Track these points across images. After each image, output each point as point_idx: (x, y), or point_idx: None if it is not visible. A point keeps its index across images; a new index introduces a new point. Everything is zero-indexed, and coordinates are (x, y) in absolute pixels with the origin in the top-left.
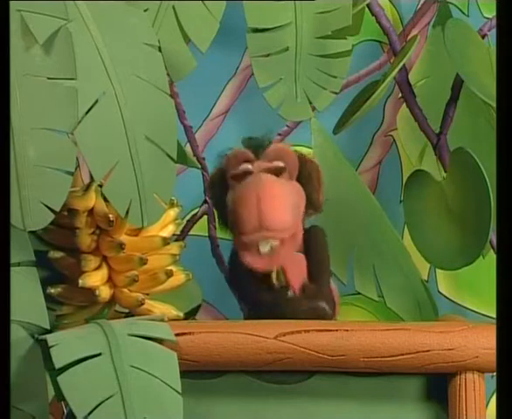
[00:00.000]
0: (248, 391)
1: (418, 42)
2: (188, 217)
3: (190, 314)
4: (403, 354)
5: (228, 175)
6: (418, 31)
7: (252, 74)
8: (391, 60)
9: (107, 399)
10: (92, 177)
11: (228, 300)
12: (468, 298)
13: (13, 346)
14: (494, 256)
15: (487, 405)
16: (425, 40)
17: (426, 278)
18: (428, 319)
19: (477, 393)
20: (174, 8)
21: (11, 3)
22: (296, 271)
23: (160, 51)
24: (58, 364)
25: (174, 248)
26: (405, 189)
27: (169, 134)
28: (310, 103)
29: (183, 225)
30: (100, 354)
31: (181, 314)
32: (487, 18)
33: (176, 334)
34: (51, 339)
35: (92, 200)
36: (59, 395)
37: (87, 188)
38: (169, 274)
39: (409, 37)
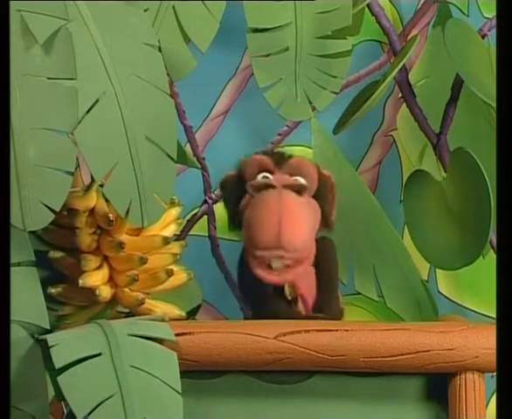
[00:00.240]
0: (248, 391)
1: (418, 42)
2: (188, 217)
3: (191, 314)
4: (403, 354)
5: (247, 182)
6: (418, 31)
7: (252, 74)
8: (391, 60)
9: (107, 399)
10: (92, 177)
11: (228, 300)
12: (468, 298)
13: (13, 346)
14: (494, 256)
15: (487, 405)
16: (425, 40)
17: (426, 278)
18: (428, 319)
19: (477, 393)
20: (174, 8)
21: (11, 3)
22: (306, 284)
23: (160, 51)
24: (58, 364)
25: (175, 247)
26: (405, 189)
27: (169, 134)
28: (310, 103)
29: (183, 225)
30: (100, 354)
31: (183, 314)
32: (487, 18)
33: (176, 334)
34: (51, 339)
35: (93, 200)
36: (59, 395)
37: (88, 188)
38: (170, 273)
39: (409, 37)
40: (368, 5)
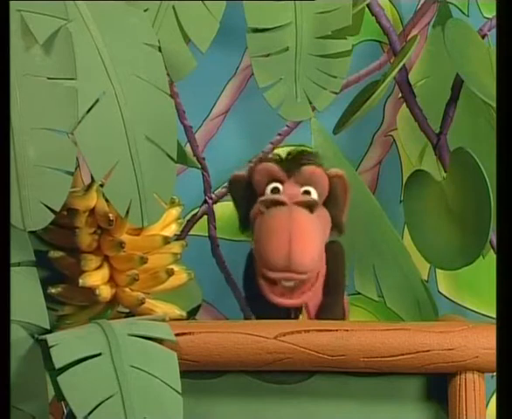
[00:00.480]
0: (248, 391)
1: (418, 42)
2: (188, 217)
3: (191, 314)
4: (403, 354)
5: (258, 190)
6: (418, 31)
7: (252, 74)
8: (391, 60)
9: (107, 399)
10: (92, 177)
11: (228, 300)
12: (468, 298)
13: (13, 346)
14: (494, 256)
15: (487, 405)
16: (425, 40)
17: (426, 278)
18: (428, 319)
19: (477, 393)
20: (174, 8)
21: (11, 3)
22: (313, 294)
23: (160, 51)
24: (58, 364)
25: (175, 247)
26: (405, 189)
27: (169, 134)
28: (310, 103)
29: (183, 225)
30: (100, 354)
31: (183, 314)
32: (487, 18)
33: (176, 334)
34: (51, 339)
35: (93, 199)
36: (59, 395)
37: (88, 187)
38: (170, 273)
39: (409, 37)
40: (368, 5)
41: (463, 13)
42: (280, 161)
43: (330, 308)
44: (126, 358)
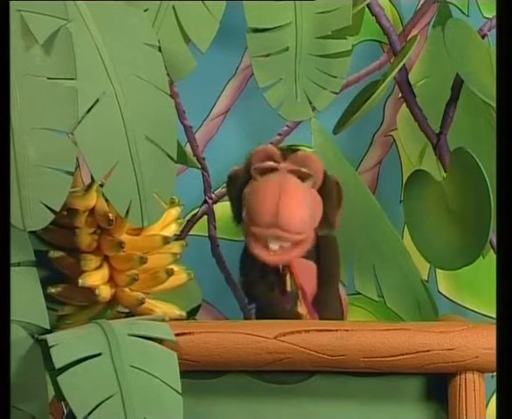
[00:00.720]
0: (248, 391)
1: (418, 42)
2: (188, 217)
3: (191, 314)
4: (403, 354)
5: (252, 167)
6: (418, 31)
7: (252, 74)
8: (391, 60)
9: (107, 399)
10: (92, 177)
11: (228, 300)
12: (468, 298)
13: (13, 346)
14: (494, 256)
15: (487, 405)
16: (425, 40)
17: (426, 278)
18: (428, 319)
19: (477, 393)
20: (174, 8)
21: (11, 3)
22: (306, 279)
23: (160, 51)
24: (58, 364)
25: (175, 247)
26: (405, 189)
27: (169, 134)
28: (310, 103)
29: (183, 225)
30: (100, 354)
31: (183, 314)
32: (487, 18)
33: (176, 334)
34: (51, 339)
35: (93, 199)
36: (59, 395)
37: (88, 187)
38: (170, 273)
39: (409, 37)
40: (368, 5)
41: (463, 13)
42: (277, 147)
43: (326, 300)
44: (126, 358)
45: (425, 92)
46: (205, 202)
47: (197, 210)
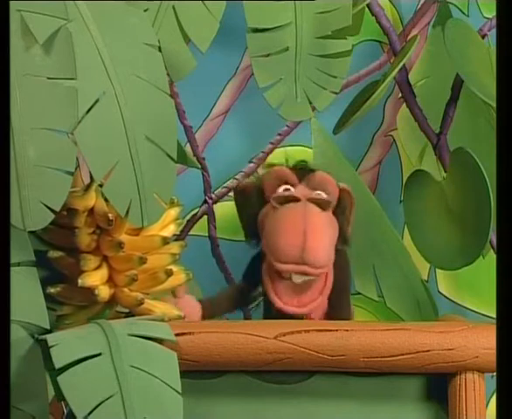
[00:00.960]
0: (248, 391)
1: (418, 42)
2: (188, 217)
3: None
4: (403, 354)
5: (268, 194)
6: (418, 31)
7: (252, 74)
8: (391, 60)
9: (107, 399)
10: (92, 177)
11: None
12: (468, 298)
13: (13, 346)
14: (494, 256)
15: (487, 405)
16: (425, 40)
17: (426, 278)
18: (428, 319)
19: (477, 393)
20: (174, 8)
21: (11, 3)
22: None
23: (160, 51)
24: (58, 364)
25: (174, 247)
26: (405, 189)
27: (169, 134)
28: (310, 103)
29: (183, 225)
30: (100, 354)
31: (182, 314)
32: (487, 18)
33: (176, 334)
34: (51, 339)
35: (92, 199)
36: (59, 395)
37: (88, 187)
38: (169, 273)
39: (409, 37)
40: (368, 5)
41: (463, 13)
42: (290, 167)
43: (338, 313)
44: (126, 358)
45: (425, 92)
46: (205, 202)
47: (197, 210)
